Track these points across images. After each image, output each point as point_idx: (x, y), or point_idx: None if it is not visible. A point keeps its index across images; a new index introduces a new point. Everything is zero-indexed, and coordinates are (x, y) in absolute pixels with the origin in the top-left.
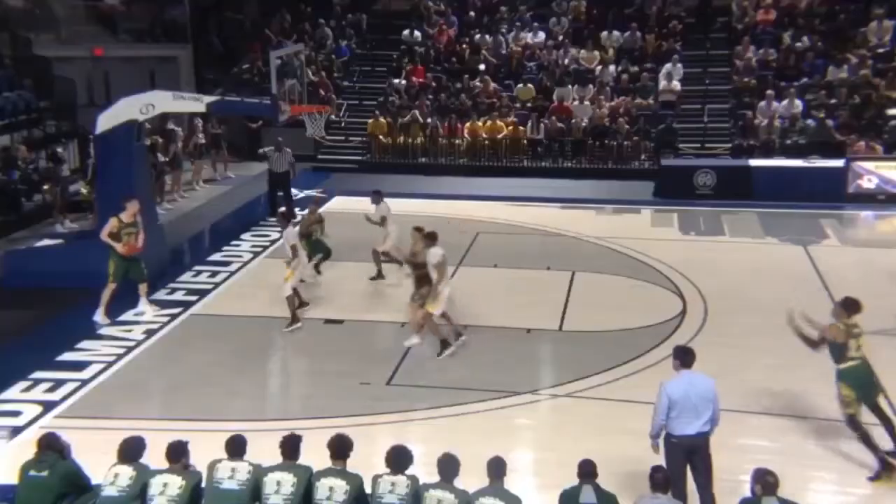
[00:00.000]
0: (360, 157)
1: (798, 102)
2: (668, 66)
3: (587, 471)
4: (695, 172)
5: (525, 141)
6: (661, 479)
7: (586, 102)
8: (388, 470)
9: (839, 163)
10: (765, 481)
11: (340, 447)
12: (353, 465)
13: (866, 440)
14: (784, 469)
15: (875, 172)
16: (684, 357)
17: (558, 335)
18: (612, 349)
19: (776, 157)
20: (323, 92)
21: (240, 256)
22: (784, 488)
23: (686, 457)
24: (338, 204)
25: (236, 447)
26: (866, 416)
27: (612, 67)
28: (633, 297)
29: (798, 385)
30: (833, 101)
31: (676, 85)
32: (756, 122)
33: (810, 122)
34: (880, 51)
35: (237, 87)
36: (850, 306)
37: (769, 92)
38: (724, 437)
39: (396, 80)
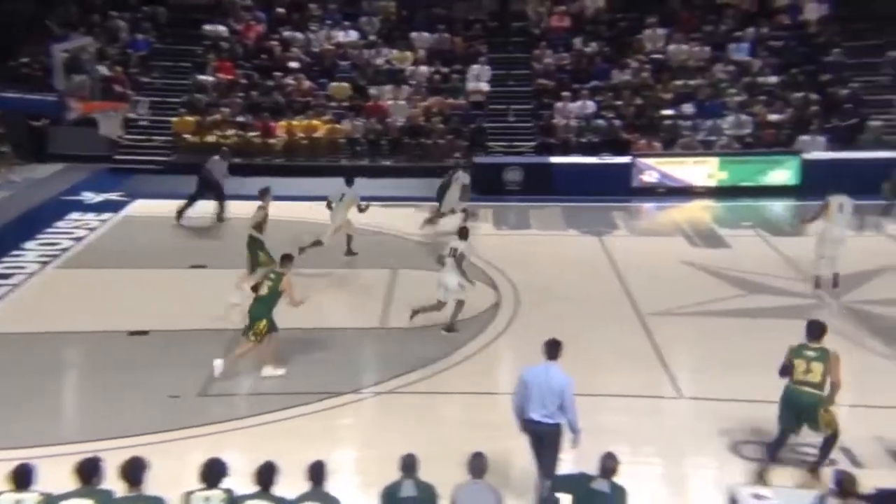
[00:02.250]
0: (164, 158)
1: (590, 104)
2: (475, 67)
3: (407, 465)
4: (504, 170)
5: (342, 140)
6: (478, 466)
7: (401, 101)
8: (202, 485)
9: (626, 159)
10: (602, 464)
11: (133, 471)
12: (162, 484)
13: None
14: (593, 447)
15: (655, 168)
16: (548, 349)
17: (380, 333)
18: (432, 344)
19: (573, 155)
20: (119, 88)
21: (23, 268)
22: (591, 466)
23: (534, 440)
24: (140, 208)
25: (21, 477)
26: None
27: (423, 68)
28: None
29: (598, 367)
30: (619, 102)
31: (484, 86)
32: (555, 122)
33: (601, 121)
34: (655, 56)
35: (15, 82)
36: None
37: (565, 94)
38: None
39: (202, 77)
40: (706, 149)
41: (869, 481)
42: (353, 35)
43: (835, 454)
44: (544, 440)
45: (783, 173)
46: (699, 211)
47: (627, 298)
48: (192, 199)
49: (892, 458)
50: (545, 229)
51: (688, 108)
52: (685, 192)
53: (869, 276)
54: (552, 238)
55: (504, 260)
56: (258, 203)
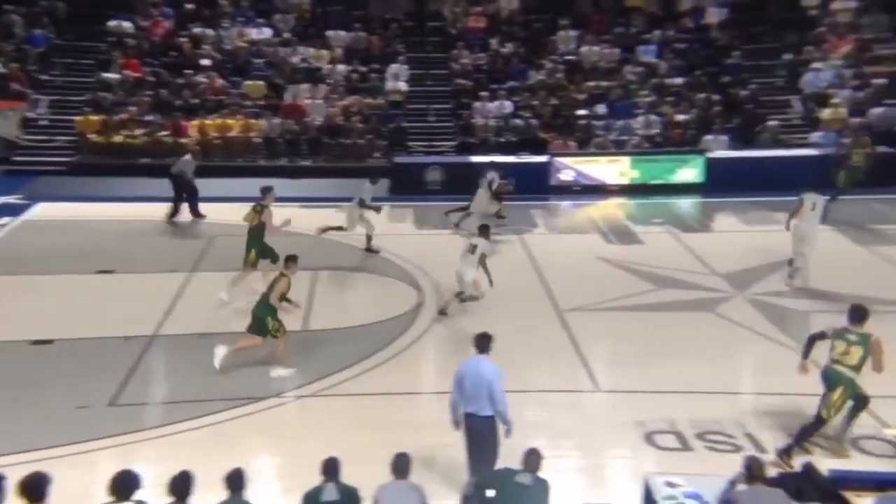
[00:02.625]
0: (68, 158)
1: (508, 103)
2: (394, 66)
3: (329, 468)
4: (425, 169)
5: (258, 139)
6: (401, 465)
7: (319, 101)
8: (112, 498)
9: (543, 158)
10: (525, 459)
11: (35, 487)
12: (70, 499)
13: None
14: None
15: (572, 167)
16: (478, 342)
17: (302, 335)
18: (355, 344)
19: (492, 154)
20: (17, 86)
21: None
22: (515, 461)
23: (468, 435)
24: (42, 211)
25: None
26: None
27: (341, 66)
28: (374, 292)
29: (519, 363)
30: (535, 102)
31: (403, 85)
32: (474, 122)
33: (518, 121)
34: (568, 57)
35: None
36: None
37: (483, 93)
38: (440, 415)
39: (107, 74)
40: (618, 148)
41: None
42: (267, 32)
43: (740, 440)
44: (478, 433)
45: (690, 171)
46: (613, 208)
47: (547, 295)
48: (176, 202)
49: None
50: (466, 228)
51: (600, 109)
52: (600, 190)
53: (773, 268)
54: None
55: (426, 260)
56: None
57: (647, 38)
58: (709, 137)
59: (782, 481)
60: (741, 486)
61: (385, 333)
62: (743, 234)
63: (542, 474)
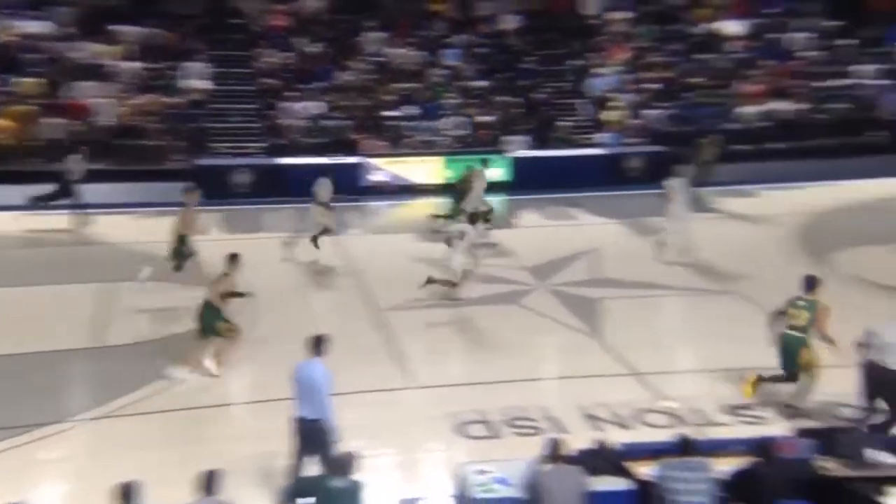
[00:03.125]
0: None
1: (317, 104)
2: (191, 64)
3: (125, 493)
4: (231, 172)
5: (38, 142)
6: (209, 483)
7: (106, 99)
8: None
9: (355, 159)
10: (339, 462)
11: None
12: None
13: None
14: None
15: (384, 167)
16: (311, 344)
17: (93, 353)
18: (155, 360)
19: (303, 156)
20: None
21: None
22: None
23: (301, 439)
24: None
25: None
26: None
27: (131, 63)
28: (182, 301)
29: (339, 365)
30: (346, 102)
31: (203, 84)
32: (282, 123)
33: (329, 122)
34: (375, 59)
35: None
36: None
37: (290, 94)
38: (275, 422)
39: None
40: (429, 149)
41: (573, 444)
42: (43, 26)
43: (544, 424)
44: (309, 437)
45: (497, 170)
46: (426, 208)
47: (364, 295)
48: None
49: (590, 422)
50: (279, 232)
51: (409, 110)
52: (413, 191)
53: (567, 261)
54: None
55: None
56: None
57: (449, 41)
58: (512, 138)
59: (580, 459)
60: (545, 466)
61: (187, 346)
62: (544, 229)
63: (358, 475)
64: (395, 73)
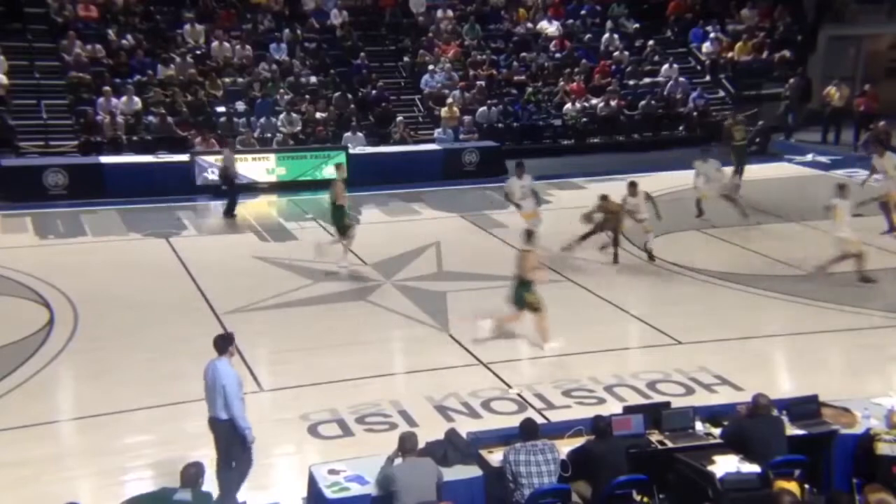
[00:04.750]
0: None
1: (136, 99)
2: None
3: (189, 476)
4: (43, 172)
5: None
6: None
7: None
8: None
9: (185, 157)
10: (184, 474)
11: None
12: None
13: None
14: (179, 456)
15: (217, 165)
16: (216, 344)
17: None
18: None
19: (125, 154)
20: None
21: None
22: (163, 478)
23: (215, 438)
24: None
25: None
26: None
27: None
28: None
29: (177, 373)
30: (169, 98)
31: (2, 78)
32: (98, 119)
33: (152, 118)
34: (198, 52)
35: None
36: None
37: (106, 88)
38: (102, 440)
39: None
40: (263, 145)
41: (423, 436)
42: None
43: (395, 418)
44: (222, 437)
45: (334, 167)
46: (265, 206)
47: (202, 299)
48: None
49: (439, 413)
50: (102, 235)
51: (240, 106)
52: (249, 189)
53: (411, 255)
54: (111, 244)
55: (55, 272)
56: None
57: (277, 36)
58: (348, 134)
59: (432, 450)
60: (397, 461)
61: (8, 359)
62: (386, 225)
63: (205, 486)
64: (220, 68)
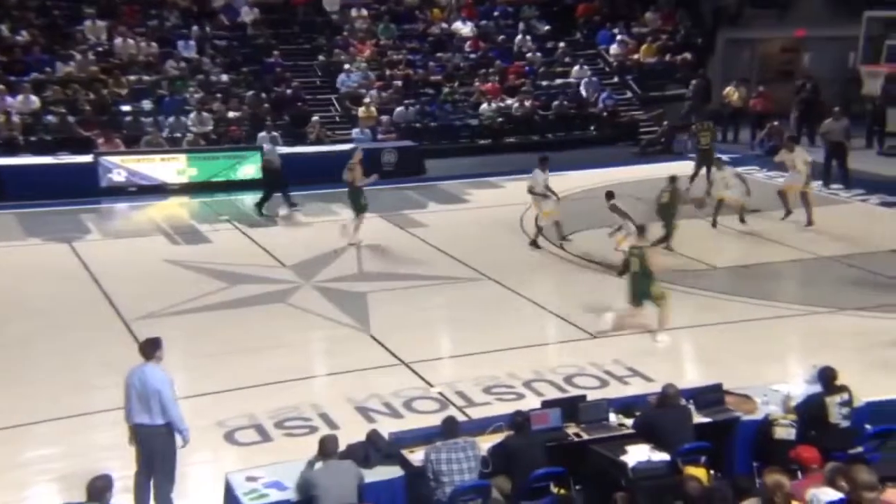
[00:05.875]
0: None
1: (34, 98)
2: None
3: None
4: None
5: None
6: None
7: None
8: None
9: (88, 158)
10: (90, 489)
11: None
12: None
13: None
14: (85, 468)
15: (123, 166)
16: (143, 348)
17: None
18: None
19: (23, 155)
20: None
21: None
22: (69, 493)
23: (142, 447)
24: None
25: None
26: None
27: None
28: None
29: (84, 383)
30: (69, 96)
31: None
32: None
33: (51, 118)
34: (101, 49)
35: None
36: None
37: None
38: (3, 454)
39: None
40: (172, 145)
41: (344, 438)
42: None
43: (316, 421)
44: (151, 445)
45: (249, 168)
46: (176, 208)
47: (110, 305)
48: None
49: (361, 415)
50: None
51: (147, 105)
52: (158, 190)
53: (331, 256)
54: (9, 249)
55: None
56: None
57: (185, 33)
58: (262, 134)
59: (352, 452)
60: (317, 465)
61: None
62: (303, 226)
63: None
64: (125, 65)
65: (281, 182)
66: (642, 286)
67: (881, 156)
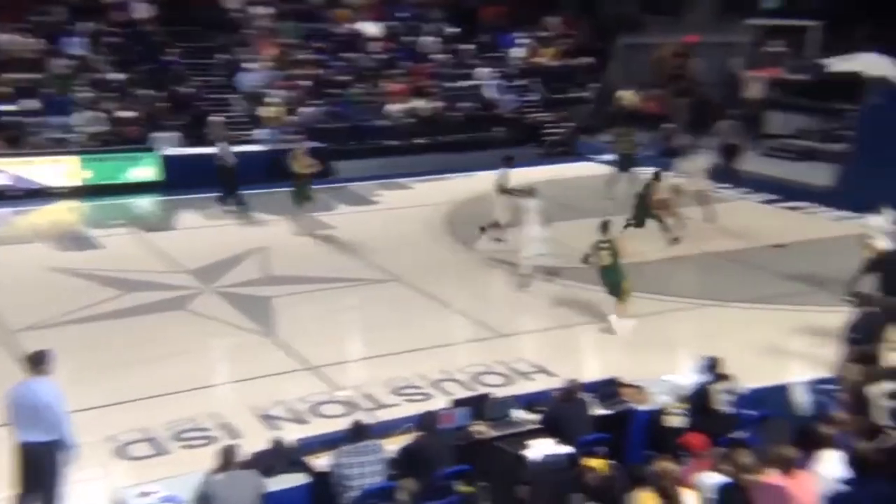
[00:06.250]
0: None
1: None
2: None
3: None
4: None
5: None
6: None
7: None
8: None
9: None
10: None
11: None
12: None
13: None
14: None
15: (4, 170)
16: (30, 362)
17: None
18: None
19: None
20: None
21: None
22: None
23: (27, 464)
24: None
25: None
26: None
27: None
28: None
29: None
30: None
31: None
32: None
33: None
34: None
35: None
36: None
37: None
38: None
39: None
40: (60, 147)
41: (247, 448)
42: None
43: (216, 432)
44: (36, 462)
45: (146, 170)
46: (65, 213)
47: None
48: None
49: (265, 423)
50: None
51: (32, 104)
52: (45, 194)
53: (234, 261)
54: None
55: None
56: None
57: (72, 29)
58: (159, 135)
59: (255, 461)
60: (218, 476)
61: None
62: (205, 230)
63: None
64: (6, 62)
65: (233, 182)
66: (614, 278)
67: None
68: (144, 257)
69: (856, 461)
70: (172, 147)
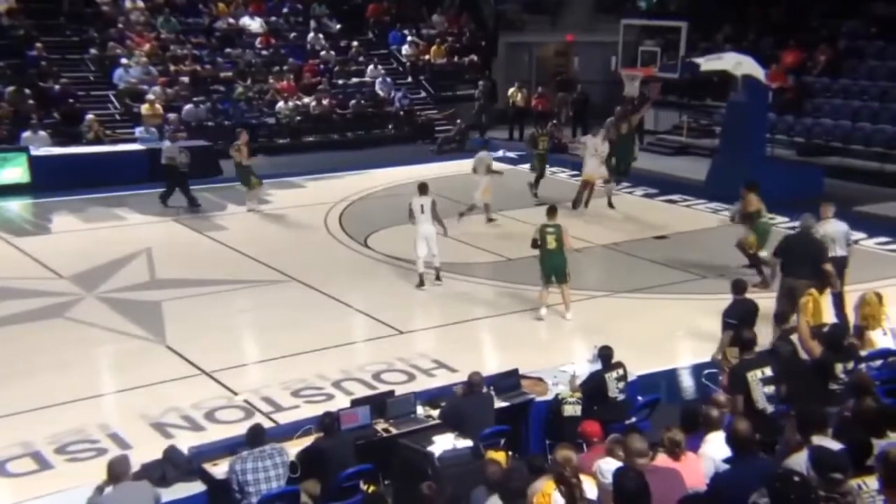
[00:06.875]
0: None
1: None
2: None
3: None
4: None
5: None
6: None
7: None
8: None
9: None
10: None
11: None
12: None
13: None
14: None
15: None
16: None
17: None
18: None
19: None
20: None
21: None
22: None
23: None
24: None
25: None
26: None
27: None
28: None
29: None
30: None
31: None
32: None
33: None
34: None
35: None
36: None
37: None
38: None
39: None
40: None
41: (138, 458)
42: None
43: (105, 443)
44: None
45: (13, 171)
46: None
47: None
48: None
49: (157, 431)
50: None
51: None
52: None
53: (117, 265)
54: None
55: None
56: None
57: None
58: (28, 134)
59: (146, 471)
60: (107, 489)
61: None
62: (83, 233)
63: None
64: None
65: (183, 181)
66: (555, 262)
67: (642, 151)
68: (17, 263)
69: (732, 440)
70: (42, 147)
